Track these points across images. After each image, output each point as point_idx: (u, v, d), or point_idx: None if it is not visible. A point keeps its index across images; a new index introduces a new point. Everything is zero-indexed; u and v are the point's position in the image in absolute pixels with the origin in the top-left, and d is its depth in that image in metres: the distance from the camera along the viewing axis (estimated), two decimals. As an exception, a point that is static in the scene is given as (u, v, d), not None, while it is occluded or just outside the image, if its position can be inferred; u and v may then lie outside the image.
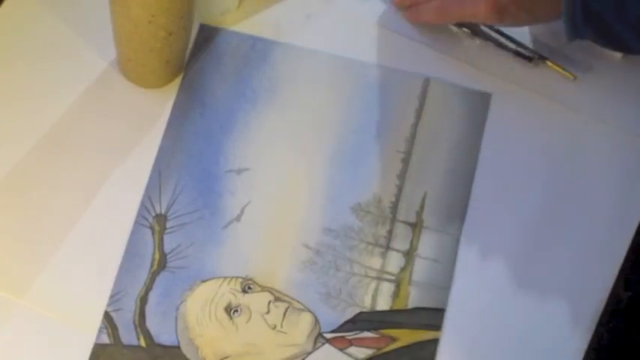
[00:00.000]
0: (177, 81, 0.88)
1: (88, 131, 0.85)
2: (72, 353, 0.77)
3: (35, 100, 0.86)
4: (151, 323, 0.78)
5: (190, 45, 0.88)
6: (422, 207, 0.84)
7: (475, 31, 0.92)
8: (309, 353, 0.78)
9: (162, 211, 0.82)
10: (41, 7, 0.90)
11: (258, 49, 0.90)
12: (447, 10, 0.88)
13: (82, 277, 0.79)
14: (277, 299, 0.80)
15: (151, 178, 0.83)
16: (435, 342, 0.79)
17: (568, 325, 0.81)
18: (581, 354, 0.80)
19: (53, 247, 0.80)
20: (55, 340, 0.77)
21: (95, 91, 0.86)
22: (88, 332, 0.77)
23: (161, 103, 0.87)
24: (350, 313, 0.80)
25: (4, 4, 0.90)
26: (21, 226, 0.81)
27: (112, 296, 0.78)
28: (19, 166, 0.83)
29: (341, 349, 0.79)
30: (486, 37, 0.92)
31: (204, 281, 0.80)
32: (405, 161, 0.86)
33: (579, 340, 0.81)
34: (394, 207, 0.84)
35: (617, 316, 0.83)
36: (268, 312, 0.79)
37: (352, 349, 0.79)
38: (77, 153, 0.84)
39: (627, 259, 0.84)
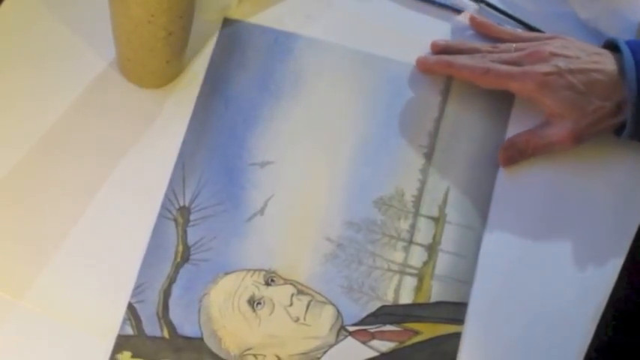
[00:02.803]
0: (178, 80, 0.87)
1: (88, 130, 0.84)
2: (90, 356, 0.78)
3: (35, 100, 0.85)
4: (174, 315, 0.78)
5: (214, 38, 0.89)
6: (445, 201, 0.84)
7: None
8: (331, 346, 0.79)
9: (186, 204, 0.82)
10: (41, 8, 0.89)
11: (282, 42, 0.90)
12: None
13: (104, 272, 0.80)
14: (300, 292, 0.80)
15: (174, 171, 0.83)
16: (457, 336, 0.80)
17: (570, 324, 0.81)
18: (583, 352, 0.80)
19: (79, 246, 0.80)
20: (73, 345, 0.77)
21: (95, 92, 0.86)
22: (107, 336, 0.78)
23: (160, 103, 0.86)
24: (372, 307, 0.80)
25: (4, 5, 0.89)
26: (44, 227, 0.81)
27: (135, 288, 0.79)
28: (25, 166, 0.82)
29: (363, 342, 0.79)
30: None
31: (227, 274, 0.80)
32: (428, 156, 0.86)
33: (581, 338, 0.81)
34: (417, 201, 0.84)
35: (618, 317, 0.83)
36: (291, 304, 0.80)
37: (375, 342, 0.79)
38: (80, 152, 0.83)
39: (628, 259, 0.83)
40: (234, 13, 0.91)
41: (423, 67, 0.89)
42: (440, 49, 0.90)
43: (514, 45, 0.88)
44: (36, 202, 0.81)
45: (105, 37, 0.84)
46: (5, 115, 0.85)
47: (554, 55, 0.85)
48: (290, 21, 0.91)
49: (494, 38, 0.91)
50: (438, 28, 0.92)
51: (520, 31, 0.91)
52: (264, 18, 0.91)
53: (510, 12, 0.93)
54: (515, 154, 0.86)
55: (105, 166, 0.83)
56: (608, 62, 0.84)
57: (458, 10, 0.93)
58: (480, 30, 0.92)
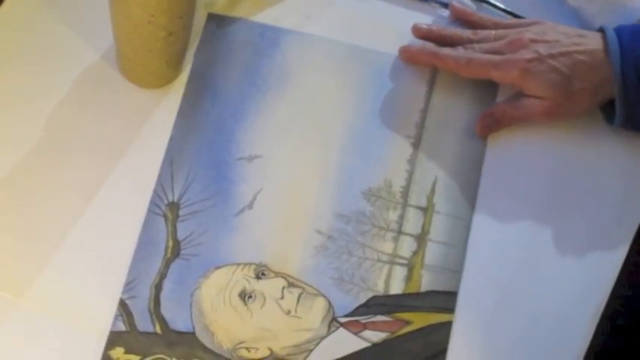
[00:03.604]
0: (178, 80, 0.87)
1: (88, 130, 0.84)
2: (82, 356, 0.77)
3: (35, 100, 0.85)
4: (166, 310, 0.78)
5: (199, 33, 0.89)
6: (433, 191, 0.85)
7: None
8: (323, 337, 0.79)
9: (175, 199, 0.82)
10: (41, 7, 0.90)
11: (268, 37, 0.90)
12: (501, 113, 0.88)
13: (95, 269, 0.79)
14: (291, 285, 0.80)
15: (162, 167, 0.83)
16: (448, 325, 0.80)
17: (562, 312, 0.82)
18: (583, 352, 0.80)
19: (69, 243, 0.80)
20: (65, 341, 0.77)
21: (95, 91, 0.86)
22: (99, 332, 0.77)
23: (161, 102, 0.86)
24: (363, 298, 0.80)
25: (4, 4, 0.89)
26: (33, 224, 0.81)
27: (126, 284, 0.79)
28: (21, 165, 0.82)
29: (355, 333, 0.79)
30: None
31: (218, 268, 0.80)
32: (415, 146, 0.86)
33: (581, 336, 0.81)
34: (405, 192, 0.85)
35: (619, 316, 0.83)
36: (282, 297, 0.80)
37: (366, 333, 0.79)
38: (78, 151, 0.83)
39: (628, 258, 0.84)
40: (219, 9, 0.91)
41: (406, 57, 0.90)
42: (422, 34, 0.91)
43: (494, 32, 0.89)
44: (28, 199, 0.81)
45: (105, 37, 0.85)
46: (6, 114, 0.85)
47: (533, 41, 0.85)
48: (290, 22, 0.91)
49: (475, 26, 0.92)
50: (423, 20, 0.93)
51: (500, 19, 0.92)
52: (264, 18, 0.91)
53: (506, 6, 0.95)
54: (492, 122, 0.87)
55: (103, 165, 0.83)
56: (590, 43, 0.85)
57: (445, 4, 0.94)
58: (461, 18, 0.93)
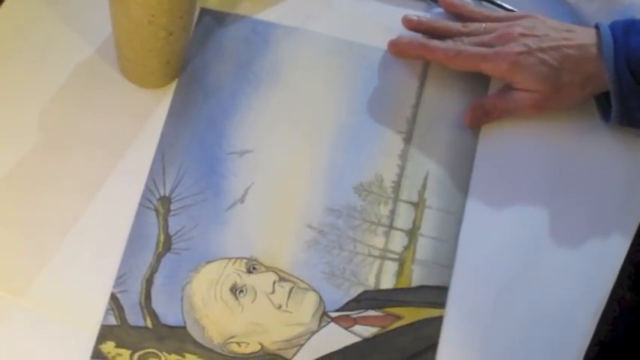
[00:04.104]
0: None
1: (87, 129, 0.84)
2: (73, 350, 0.77)
3: (34, 99, 0.85)
4: (157, 304, 0.78)
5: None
6: (424, 186, 0.85)
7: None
8: (314, 332, 0.79)
9: (167, 194, 0.82)
10: (41, 7, 0.90)
11: (260, 32, 0.90)
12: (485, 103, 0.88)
13: (86, 263, 0.79)
14: (282, 279, 0.80)
15: (154, 161, 0.83)
16: (439, 319, 0.80)
17: (552, 305, 0.82)
18: (583, 350, 0.80)
19: (60, 237, 0.80)
20: (56, 336, 0.77)
21: (95, 91, 0.86)
22: (90, 326, 0.77)
23: (161, 102, 0.86)
24: (354, 292, 0.80)
25: (4, 4, 0.89)
26: (26, 219, 0.81)
27: (117, 278, 0.79)
28: (19, 164, 0.82)
29: (346, 328, 0.79)
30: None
31: (209, 262, 0.80)
32: (407, 141, 0.86)
33: (580, 335, 0.81)
34: (396, 186, 0.85)
35: (618, 315, 0.83)
36: (273, 292, 0.80)
37: (357, 328, 0.79)
38: (76, 149, 0.83)
39: (628, 257, 0.84)
40: (214, 4, 0.91)
41: (395, 49, 0.90)
42: (413, 25, 0.91)
43: (484, 25, 0.89)
44: (21, 193, 0.81)
45: (105, 37, 0.85)
46: (5, 114, 0.84)
47: (523, 35, 0.86)
48: (289, 22, 0.91)
49: (465, 18, 0.92)
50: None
51: (490, 12, 0.92)
52: (264, 18, 0.91)
53: (506, 4, 0.95)
54: (482, 114, 0.87)
55: (99, 162, 0.83)
56: (579, 37, 0.85)
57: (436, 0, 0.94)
58: (451, 10, 0.93)
